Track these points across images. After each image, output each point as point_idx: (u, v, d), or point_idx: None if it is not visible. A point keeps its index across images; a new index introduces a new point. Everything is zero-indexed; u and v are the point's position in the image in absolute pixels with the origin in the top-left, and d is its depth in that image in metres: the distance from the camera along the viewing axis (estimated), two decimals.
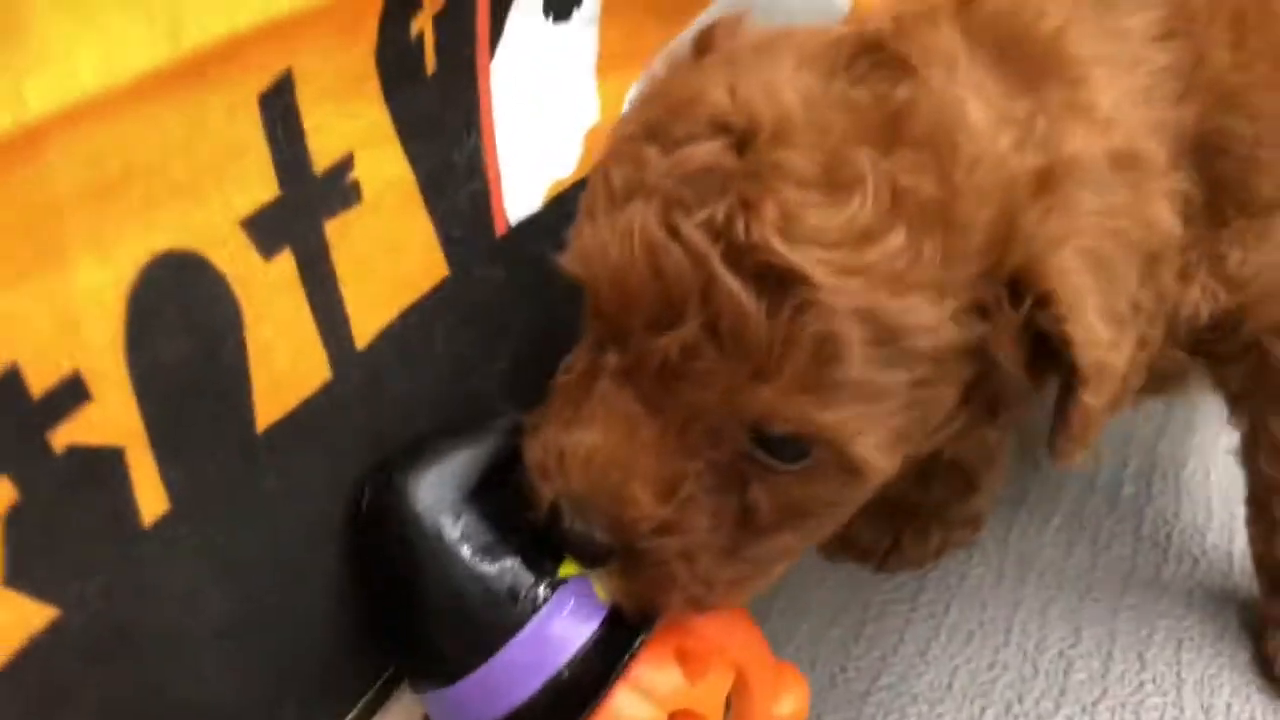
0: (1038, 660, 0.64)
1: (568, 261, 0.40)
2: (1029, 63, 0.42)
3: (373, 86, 0.42)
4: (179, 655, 0.39)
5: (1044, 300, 0.38)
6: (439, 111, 0.46)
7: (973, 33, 0.42)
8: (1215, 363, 0.53)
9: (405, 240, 0.46)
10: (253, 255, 0.39)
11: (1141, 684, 0.62)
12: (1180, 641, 0.65)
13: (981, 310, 0.38)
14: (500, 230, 0.52)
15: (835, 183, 0.37)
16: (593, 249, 0.39)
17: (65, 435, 0.33)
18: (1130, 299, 0.40)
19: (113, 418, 0.35)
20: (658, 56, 0.46)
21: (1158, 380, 0.48)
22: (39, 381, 0.32)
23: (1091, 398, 0.38)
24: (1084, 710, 0.61)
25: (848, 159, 0.37)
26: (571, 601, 0.42)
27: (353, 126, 0.42)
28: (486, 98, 0.48)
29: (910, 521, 0.68)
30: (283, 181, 0.39)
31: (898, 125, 0.38)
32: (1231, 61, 0.46)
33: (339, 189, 0.42)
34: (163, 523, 0.37)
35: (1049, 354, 0.39)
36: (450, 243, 0.48)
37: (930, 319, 0.37)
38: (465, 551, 0.42)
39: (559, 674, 0.41)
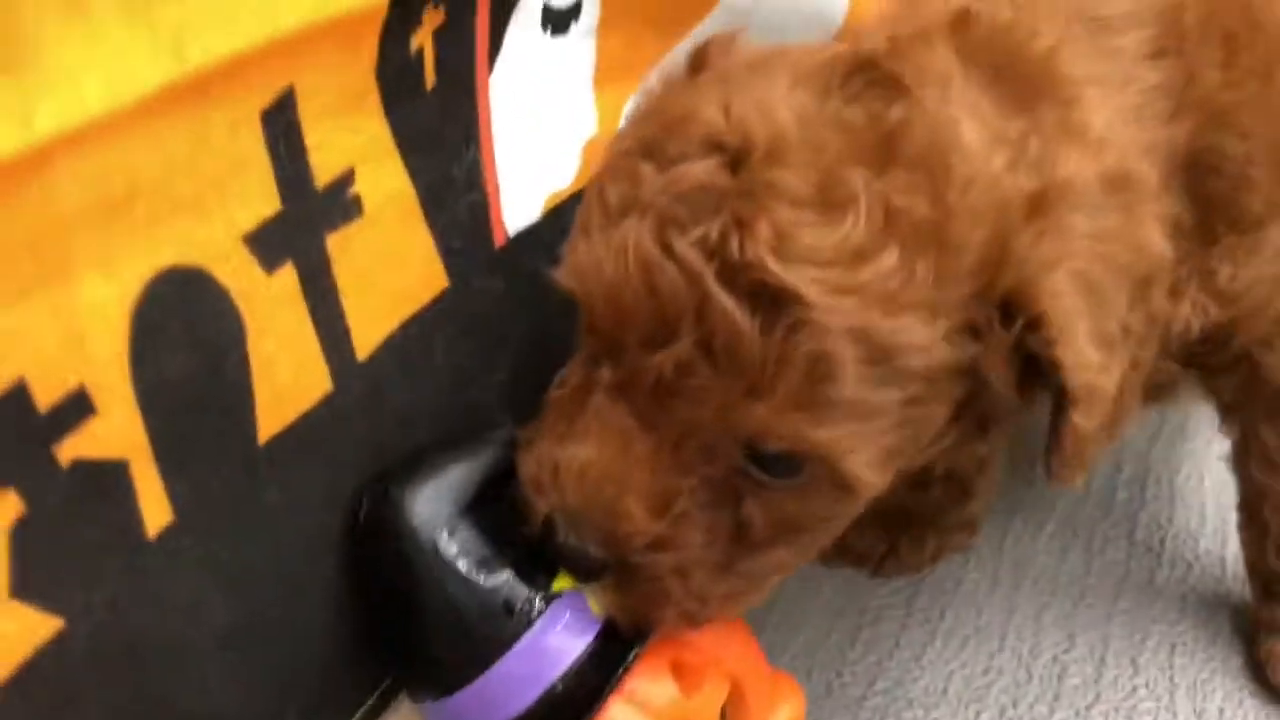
0: (1032, 665, 0.65)
1: (562, 276, 0.41)
2: (1023, 83, 0.42)
3: (373, 102, 0.43)
4: (182, 666, 0.39)
5: (1035, 323, 0.38)
6: (439, 126, 0.46)
7: (967, 52, 0.42)
8: (1207, 374, 0.53)
9: (405, 253, 0.46)
10: (255, 270, 0.39)
11: (1135, 689, 0.63)
12: (1173, 646, 0.65)
13: (973, 330, 0.39)
14: (499, 241, 0.52)
15: (829, 202, 0.37)
16: (587, 265, 0.39)
17: (71, 449, 0.34)
18: (1120, 322, 0.40)
19: (118, 431, 0.35)
20: (653, 72, 0.46)
21: (1151, 390, 0.48)
22: (45, 396, 0.33)
23: (1082, 419, 0.39)
24: (1077, 715, 0.61)
25: (841, 178, 0.37)
26: (566, 615, 0.42)
27: (354, 141, 0.42)
28: (485, 111, 0.49)
29: (906, 527, 0.69)
30: (285, 196, 0.39)
31: (892, 145, 0.38)
32: (1222, 80, 0.46)
33: (340, 203, 0.42)
34: (166, 534, 0.38)
35: (1039, 374, 0.39)
36: (450, 254, 0.49)
37: (923, 339, 0.37)
38: (461, 565, 0.42)
39: (553, 687, 0.41)
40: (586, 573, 0.42)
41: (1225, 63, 0.47)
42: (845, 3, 0.68)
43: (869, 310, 0.37)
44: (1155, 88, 0.45)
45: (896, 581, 0.69)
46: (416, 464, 0.44)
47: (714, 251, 0.37)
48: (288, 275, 0.40)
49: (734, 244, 0.36)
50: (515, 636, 0.41)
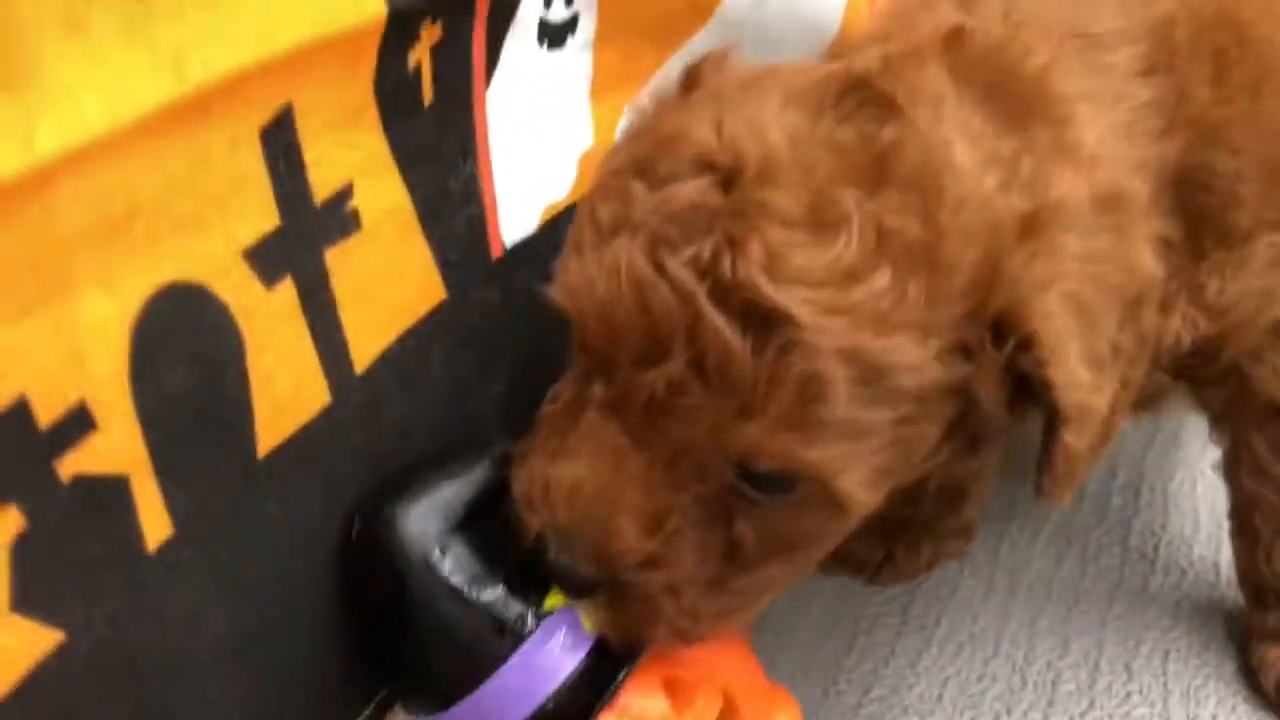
0: (1026, 672, 0.65)
1: (555, 294, 0.41)
2: (1016, 100, 0.42)
3: (371, 118, 0.43)
4: (182, 677, 0.39)
5: (1026, 343, 0.38)
6: (436, 140, 0.47)
7: (960, 70, 0.42)
8: (1197, 385, 0.54)
9: (403, 266, 0.47)
10: (254, 285, 0.39)
11: (1128, 695, 0.63)
12: (1167, 652, 0.65)
13: (964, 350, 0.39)
14: (496, 253, 0.53)
15: (820, 222, 0.37)
16: (579, 283, 0.39)
17: (72, 464, 0.34)
18: (1111, 342, 0.41)
19: (118, 446, 0.36)
20: (648, 85, 0.46)
21: (1141, 400, 0.49)
22: (46, 412, 0.33)
23: (1073, 439, 0.39)
24: None
25: (833, 199, 0.37)
26: (559, 632, 0.42)
27: (352, 157, 0.43)
28: (482, 125, 0.49)
29: (902, 535, 0.69)
30: (284, 212, 0.40)
31: (884, 165, 0.38)
32: (1212, 97, 0.47)
33: (339, 218, 0.43)
34: (166, 548, 0.38)
35: (1031, 394, 0.40)
36: (447, 266, 0.49)
37: (914, 359, 0.38)
38: (454, 582, 0.43)
39: (546, 703, 0.41)
40: (578, 590, 0.42)
41: (1215, 79, 0.47)
42: (840, 14, 0.69)
43: (860, 330, 0.37)
44: (1146, 104, 0.46)
45: (892, 588, 0.70)
46: (409, 482, 0.45)
47: (706, 271, 0.37)
48: (287, 290, 0.41)
49: (726, 264, 0.37)
50: (508, 653, 0.42)
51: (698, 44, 0.59)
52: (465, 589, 0.43)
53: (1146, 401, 0.53)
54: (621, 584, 0.41)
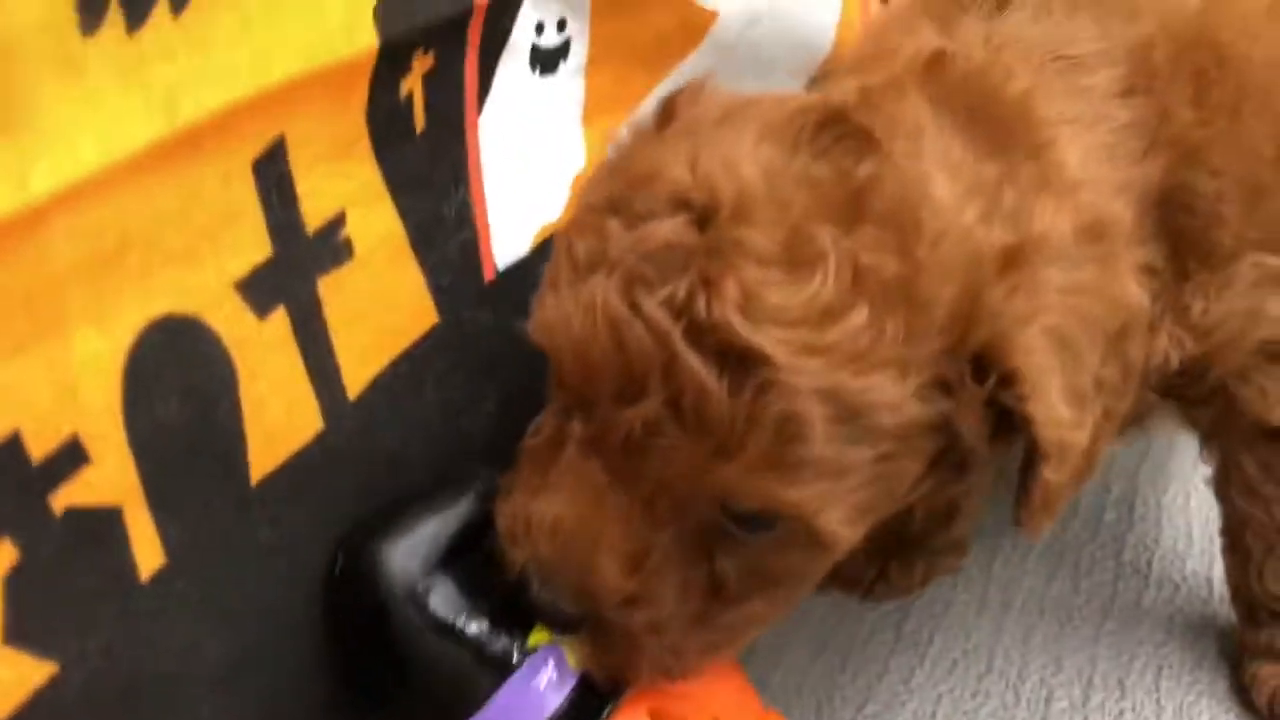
0: (1019, 688, 0.65)
1: (532, 331, 0.41)
2: (998, 125, 0.42)
3: (363, 147, 0.43)
4: (175, 707, 0.40)
5: (1008, 379, 0.38)
6: (428, 167, 0.47)
7: (942, 96, 0.42)
8: (1185, 404, 0.54)
9: (396, 292, 0.47)
10: (247, 315, 0.40)
11: (1121, 712, 0.63)
12: (1160, 669, 0.66)
13: (944, 386, 0.39)
14: (489, 276, 0.53)
15: (796, 261, 0.37)
16: (556, 320, 0.39)
17: (65, 497, 0.34)
18: (1094, 376, 0.40)
19: (111, 478, 0.36)
20: (633, 113, 0.46)
21: (1130, 419, 0.49)
22: (39, 447, 0.33)
23: (1053, 474, 0.39)
24: None
25: (809, 236, 0.37)
26: (544, 667, 0.42)
27: (344, 186, 0.43)
28: (475, 151, 0.50)
29: (895, 552, 0.69)
30: (276, 243, 0.40)
31: (860, 201, 0.38)
32: (1193, 118, 0.47)
33: (331, 247, 0.43)
34: (160, 577, 0.38)
35: (1012, 427, 0.40)
36: (440, 291, 0.50)
37: (893, 396, 0.37)
38: (438, 617, 0.43)
39: None
40: (561, 627, 0.42)
41: (1195, 100, 0.47)
42: (832, 33, 0.69)
43: (838, 370, 0.36)
44: (1127, 126, 0.46)
45: (885, 606, 0.70)
46: (392, 517, 0.45)
47: (681, 311, 0.37)
48: (279, 320, 0.41)
49: (701, 303, 0.36)
50: (493, 689, 0.42)
51: (690, 66, 0.60)
52: (449, 624, 0.42)
53: (1135, 420, 0.53)
54: (604, 621, 0.40)
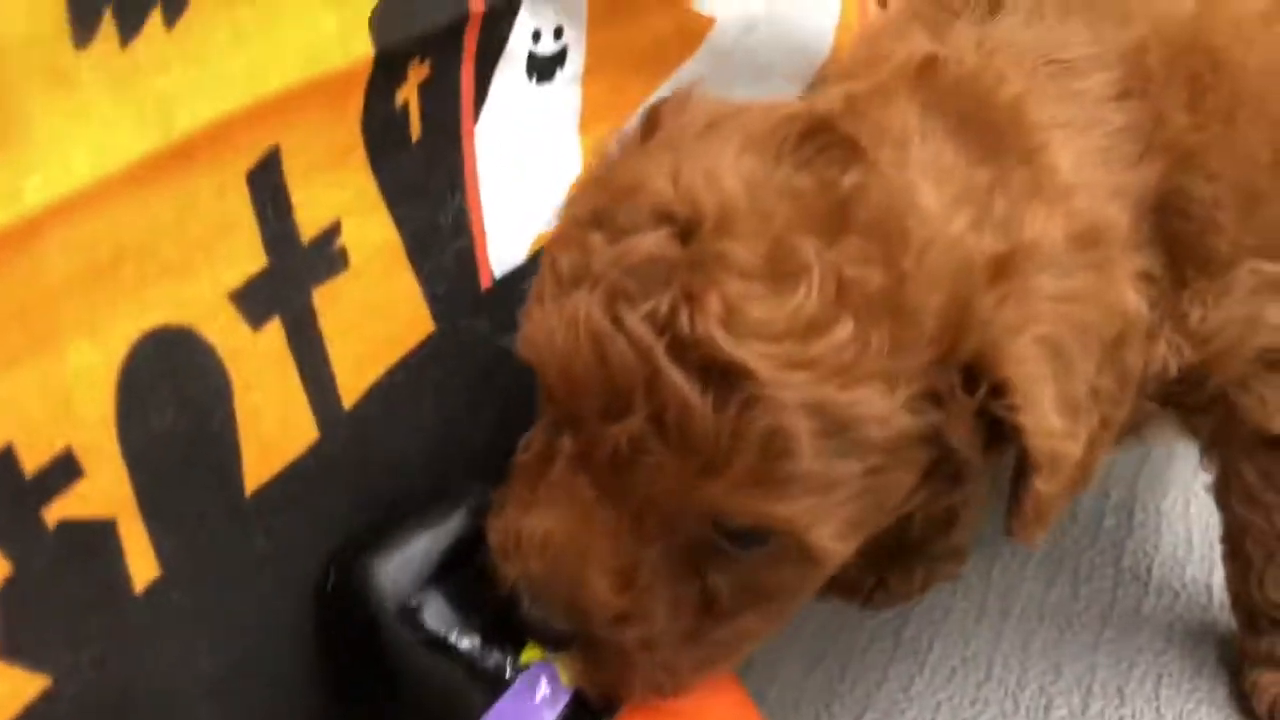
0: (1019, 696, 0.65)
1: (519, 345, 0.40)
2: (990, 129, 0.42)
3: (359, 157, 0.43)
4: (170, 718, 0.40)
5: (998, 389, 0.38)
6: (424, 176, 0.47)
7: (934, 101, 0.42)
8: (1184, 412, 0.54)
9: (392, 301, 0.47)
10: (242, 326, 0.40)
11: (1121, 719, 0.63)
12: (1160, 676, 0.65)
13: (934, 397, 0.38)
14: (485, 283, 0.53)
15: (779, 274, 0.36)
16: (540, 335, 0.39)
17: (58, 510, 0.34)
18: (1089, 385, 0.40)
19: (105, 491, 0.36)
20: (624, 126, 0.46)
21: (1128, 428, 0.48)
22: (32, 460, 0.33)
23: (1045, 485, 0.39)
24: None
25: (792, 249, 0.37)
26: (537, 684, 0.42)
27: (340, 196, 0.43)
28: (471, 160, 0.49)
29: (895, 559, 0.69)
30: (271, 253, 0.40)
31: (844, 212, 0.38)
32: (1188, 122, 0.46)
33: (326, 256, 0.43)
34: (154, 589, 0.38)
35: (1005, 436, 0.39)
36: (436, 300, 0.50)
37: (881, 409, 0.37)
38: (429, 633, 0.42)
39: None
40: (553, 644, 0.41)
41: (1190, 105, 0.47)
42: (830, 37, 0.69)
43: (823, 384, 0.36)
44: (1121, 130, 0.45)
45: (884, 612, 0.70)
46: (384, 532, 0.44)
47: (664, 326, 0.36)
48: (274, 331, 0.41)
49: (683, 318, 0.36)
50: (485, 705, 0.41)
51: (687, 72, 0.59)
52: (441, 639, 0.42)
53: (1133, 428, 0.53)
54: (595, 638, 0.40)
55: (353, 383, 0.45)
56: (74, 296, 0.34)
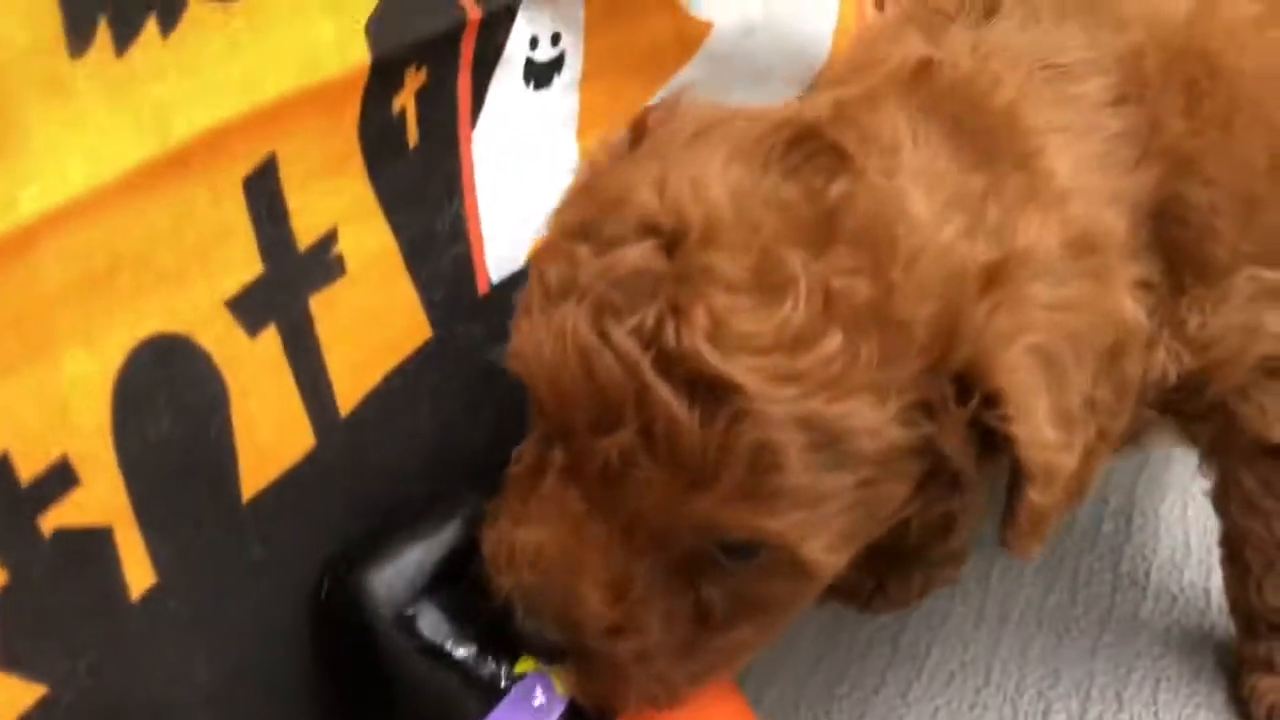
0: (1017, 701, 0.65)
1: (508, 358, 0.40)
2: (984, 134, 0.41)
3: (356, 164, 0.43)
4: None
5: (992, 399, 0.37)
6: (422, 182, 0.47)
7: (928, 106, 0.42)
8: (1184, 420, 0.53)
9: (389, 307, 0.47)
10: (238, 334, 0.40)
11: None
12: (1158, 681, 0.65)
13: (927, 408, 0.38)
14: (483, 289, 0.53)
15: (766, 286, 0.36)
16: (528, 348, 0.39)
17: (54, 519, 0.34)
18: (1084, 396, 0.39)
19: (101, 499, 0.36)
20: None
21: (1127, 436, 0.48)
22: (28, 468, 0.33)
23: (1039, 497, 0.38)
24: None
25: (778, 260, 0.36)
26: (533, 693, 0.42)
27: (336, 203, 0.43)
28: (468, 166, 0.49)
29: (893, 564, 0.69)
30: (267, 260, 0.40)
31: (831, 223, 0.37)
32: (1185, 128, 0.46)
33: (323, 263, 0.43)
34: (150, 597, 0.38)
35: (998, 447, 0.39)
36: (433, 305, 0.50)
37: (872, 421, 0.36)
38: (424, 643, 0.42)
39: None
40: (547, 656, 0.41)
41: (1187, 110, 0.46)
42: (829, 41, 0.69)
43: (812, 397, 0.35)
44: (1118, 135, 0.45)
45: (883, 617, 0.70)
46: (378, 543, 0.44)
47: (650, 340, 0.36)
48: (270, 338, 0.41)
49: (670, 332, 0.35)
50: (480, 713, 0.41)
51: (685, 78, 0.59)
52: (437, 647, 0.42)
53: (1132, 436, 0.52)
54: (589, 651, 0.40)
55: (349, 389, 0.45)
56: (70, 305, 0.34)
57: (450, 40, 0.46)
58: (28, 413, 0.33)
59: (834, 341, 0.36)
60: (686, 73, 0.59)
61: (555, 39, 0.52)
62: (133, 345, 0.36)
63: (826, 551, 0.38)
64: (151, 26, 0.34)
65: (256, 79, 0.37)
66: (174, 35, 0.34)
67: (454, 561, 0.44)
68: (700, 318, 0.35)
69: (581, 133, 0.55)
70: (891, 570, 0.69)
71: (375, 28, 0.41)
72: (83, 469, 0.35)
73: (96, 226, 0.34)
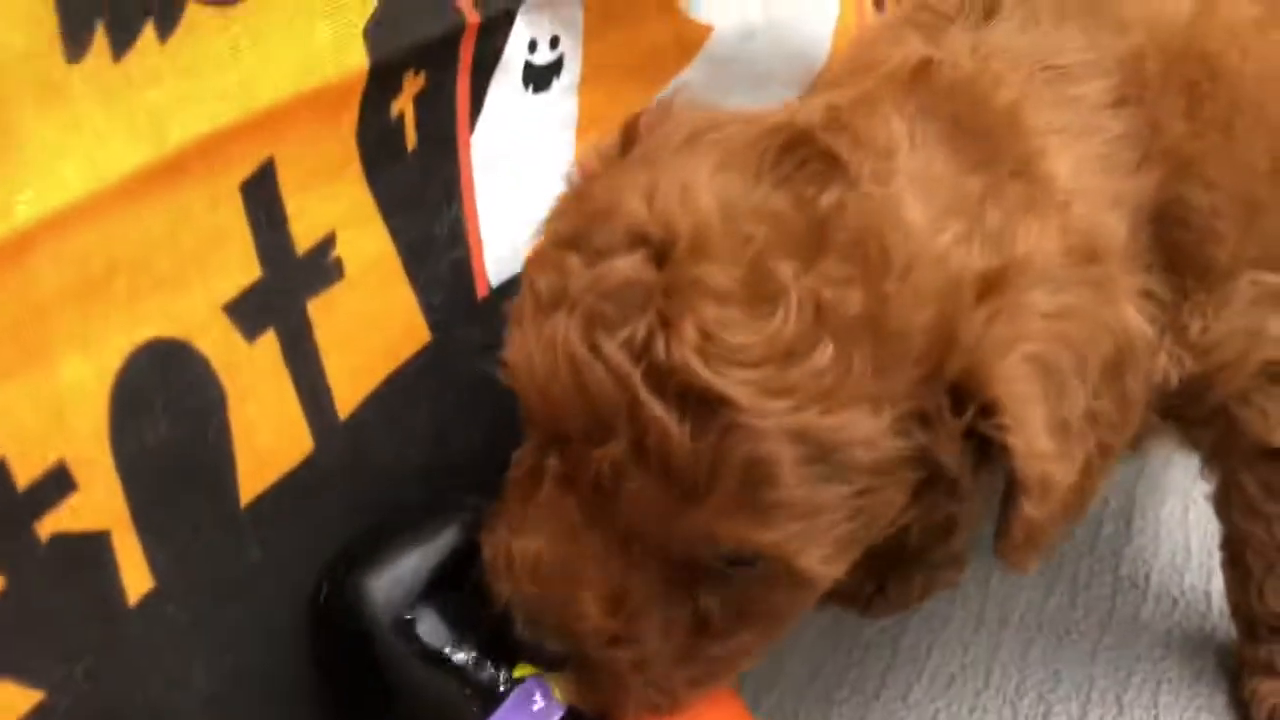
0: (1017, 704, 0.65)
1: (502, 367, 0.40)
2: (985, 135, 0.41)
3: (354, 168, 0.43)
4: None
5: (988, 409, 0.37)
6: (420, 186, 0.47)
7: (927, 107, 0.41)
8: (1185, 425, 0.53)
9: (387, 312, 0.47)
10: (236, 338, 0.39)
11: None
12: (1159, 684, 0.65)
13: (922, 417, 0.37)
14: (482, 293, 0.53)
15: (756, 298, 0.36)
16: (520, 358, 0.38)
17: (51, 524, 0.34)
18: (1084, 407, 0.39)
19: (98, 503, 0.36)
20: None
21: (1130, 440, 0.48)
22: (24, 473, 0.33)
23: (1034, 510, 0.37)
24: None
25: (769, 272, 0.36)
26: (533, 697, 0.42)
27: (334, 207, 0.43)
28: (467, 169, 0.49)
29: (893, 567, 0.69)
30: (265, 264, 0.40)
31: (823, 233, 0.37)
32: (1186, 131, 0.46)
33: (321, 268, 0.43)
34: (148, 601, 0.38)
35: (995, 456, 0.38)
36: (432, 309, 0.49)
37: (867, 432, 0.36)
38: (424, 646, 0.42)
39: None
40: (547, 664, 0.41)
41: (1188, 113, 0.46)
42: (828, 43, 0.69)
43: (805, 410, 0.35)
44: (1119, 138, 0.45)
45: (882, 620, 0.69)
46: (376, 547, 0.44)
47: (641, 353, 0.35)
48: (269, 342, 0.41)
49: (660, 345, 0.35)
50: (481, 719, 0.41)
51: (684, 81, 0.59)
52: (436, 652, 0.42)
53: (1133, 441, 0.52)
54: (589, 660, 0.40)
55: (348, 394, 0.45)
56: (67, 310, 0.34)
57: (449, 44, 0.46)
58: (24, 418, 0.33)
59: (826, 353, 0.35)
60: (686, 76, 0.59)
61: (554, 42, 0.52)
62: (130, 350, 0.36)
63: (824, 562, 0.38)
64: (149, 32, 0.34)
65: (254, 83, 0.37)
66: (172, 40, 0.34)
67: (452, 566, 0.44)
68: (689, 331, 0.35)
69: (581, 136, 0.55)
70: (892, 573, 0.69)
71: (373, 32, 0.41)
72: (80, 474, 0.35)
73: (93, 231, 0.33)
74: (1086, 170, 0.43)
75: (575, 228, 0.39)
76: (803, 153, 0.38)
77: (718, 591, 0.40)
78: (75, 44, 0.32)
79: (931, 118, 0.41)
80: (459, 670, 0.42)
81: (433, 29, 0.45)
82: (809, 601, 0.43)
